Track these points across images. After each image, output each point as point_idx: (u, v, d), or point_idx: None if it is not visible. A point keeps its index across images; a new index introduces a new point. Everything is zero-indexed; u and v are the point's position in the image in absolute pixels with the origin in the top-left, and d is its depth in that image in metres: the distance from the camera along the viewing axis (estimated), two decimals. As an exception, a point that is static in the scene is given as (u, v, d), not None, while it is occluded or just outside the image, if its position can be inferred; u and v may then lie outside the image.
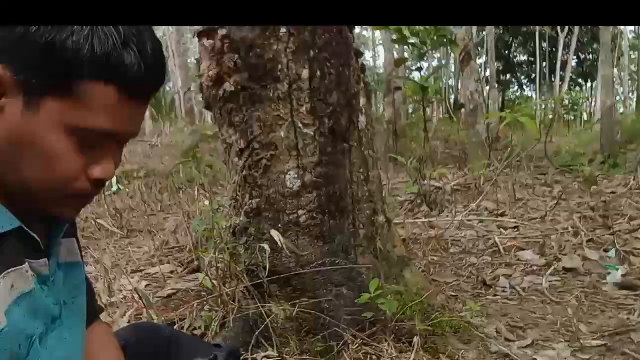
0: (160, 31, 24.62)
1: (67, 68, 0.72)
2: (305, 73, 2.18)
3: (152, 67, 0.77)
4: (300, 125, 2.18)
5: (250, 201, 2.23)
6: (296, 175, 2.18)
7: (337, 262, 2.18)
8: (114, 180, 5.82)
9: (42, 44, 0.72)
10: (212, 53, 2.26)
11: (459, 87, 14.32)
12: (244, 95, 2.20)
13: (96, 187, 0.83)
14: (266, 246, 2.12)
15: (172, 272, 2.98)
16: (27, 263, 0.83)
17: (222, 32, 2.21)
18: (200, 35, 2.31)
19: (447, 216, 4.10)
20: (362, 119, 2.38)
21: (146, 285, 2.80)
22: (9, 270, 0.78)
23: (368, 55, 33.90)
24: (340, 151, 2.23)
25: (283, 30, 2.16)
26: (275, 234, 2.11)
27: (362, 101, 2.39)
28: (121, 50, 0.74)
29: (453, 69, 22.63)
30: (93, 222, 4.10)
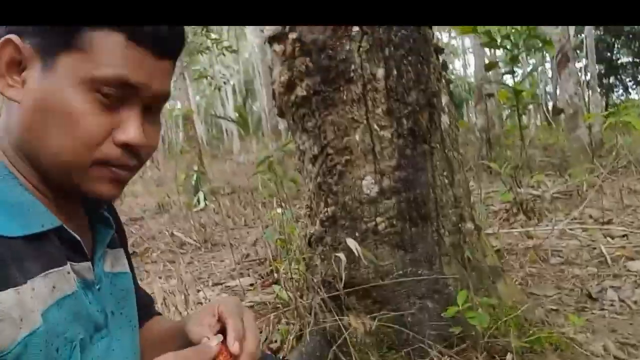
0: (246, 53, 25.49)
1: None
2: (380, 72, 2.06)
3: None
4: (376, 127, 2.06)
5: (326, 209, 2.13)
6: (373, 181, 2.05)
7: (420, 272, 2.02)
8: (201, 196, 5.98)
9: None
10: (284, 57, 2.20)
11: (557, 92, 13.56)
12: (317, 99, 2.11)
13: (127, 155, 0.77)
14: (342, 256, 2.00)
15: (251, 285, 2.94)
16: (69, 264, 0.78)
17: (292, 35, 2.15)
18: (271, 40, 2.25)
19: (547, 225, 3.79)
20: (445, 118, 2.22)
21: (226, 298, 2.77)
22: (51, 271, 0.74)
23: (458, 64, 33.17)
24: (420, 153, 2.08)
25: (356, 28, 2.06)
26: (351, 242, 1.98)
27: (444, 100, 2.23)
28: None
29: (550, 75, 21.54)
30: (173, 236, 4.17)
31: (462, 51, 31.08)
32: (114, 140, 0.76)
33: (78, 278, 0.80)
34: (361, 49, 2.06)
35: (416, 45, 2.12)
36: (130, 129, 0.76)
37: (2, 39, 0.73)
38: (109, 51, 0.72)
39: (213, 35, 9.18)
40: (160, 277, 3.20)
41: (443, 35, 27.95)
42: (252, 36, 22.76)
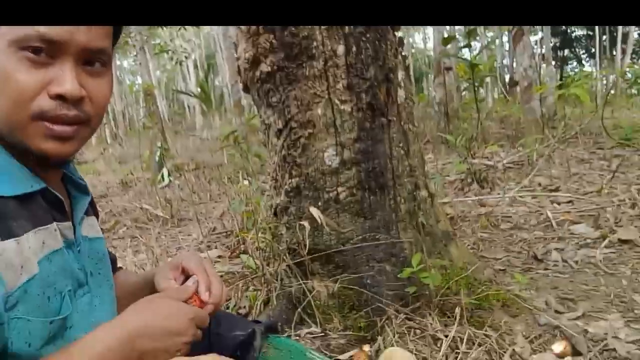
0: (207, 27, 25.05)
1: None
2: (340, 49, 2.16)
3: None
4: (337, 102, 2.17)
5: (290, 180, 2.24)
6: (335, 153, 2.18)
7: (378, 237, 2.16)
8: (165, 173, 6.00)
9: None
10: (248, 35, 2.27)
11: (514, 65, 13.89)
12: (280, 75, 2.21)
13: (64, 107, 0.82)
14: (306, 224, 2.13)
15: (219, 257, 3.04)
16: (54, 223, 0.88)
17: (256, 13, 2.23)
18: (235, 18, 2.33)
19: (498, 193, 4.00)
20: (401, 92, 2.34)
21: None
22: (40, 228, 0.84)
23: (418, 38, 33.36)
24: (378, 126, 2.21)
25: (316, 7, 2.15)
26: (315, 211, 2.11)
27: (400, 75, 2.35)
28: None
29: (507, 48, 21.95)
30: (143, 212, 4.22)
31: (422, 24, 31.22)
32: (48, 94, 0.81)
33: (62, 237, 0.89)
34: (322, 26, 2.16)
35: (374, 24, 2.22)
36: (63, 81, 0.80)
37: None
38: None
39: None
40: (126, 252, 3.27)
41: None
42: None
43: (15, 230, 0.79)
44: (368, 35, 2.20)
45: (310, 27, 2.17)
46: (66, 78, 0.81)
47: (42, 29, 0.79)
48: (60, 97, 0.81)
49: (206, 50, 25.78)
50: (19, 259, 0.77)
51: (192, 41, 24.01)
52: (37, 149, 0.83)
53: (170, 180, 5.90)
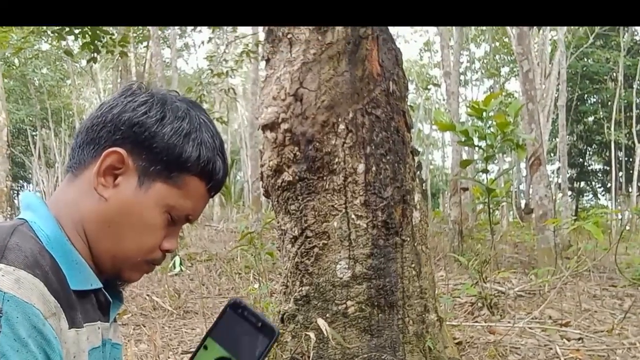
0: (235, 124, 26.07)
1: (180, 164, 0.92)
2: (361, 167, 2.27)
3: (227, 173, 1.00)
4: (353, 216, 2.25)
5: (300, 288, 2.27)
6: (347, 266, 2.21)
7: (383, 357, 2.14)
8: (177, 261, 6.03)
9: (166, 144, 0.92)
10: (274, 145, 2.40)
11: (530, 190, 14.06)
12: (301, 185, 2.30)
13: (163, 258, 0.99)
14: (312, 335, 2.12)
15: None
16: (99, 322, 0.95)
17: (284, 125, 2.36)
18: (264, 128, 2.47)
19: (509, 322, 3.93)
20: (416, 214, 2.41)
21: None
22: (89, 324, 0.91)
23: (437, 155, 34.13)
24: (392, 244, 2.26)
25: (342, 127, 2.29)
26: (322, 323, 2.12)
27: (417, 197, 2.44)
28: (216, 157, 0.96)
29: (525, 174, 22.34)
30: (149, 300, 4.20)
31: (442, 143, 32.11)
32: (161, 247, 0.97)
33: (101, 336, 0.96)
34: (345, 144, 2.28)
35: (394, 146, 2.35)
36: (174, 241, 0.98)
37: (112, 149, 0.90)
38: (193, 194, 0.95)
39: (205, 105, 9.52)
40: (129, 341, 3.24)
41: (425, 126, 28.97)
42: (244, 109, 23.36)
43: (78, 321, 0.86)
44: (388, 157, 2.31)
45: (334, 144, 2.29)
46: (176, 238, 0.99)
47: (194, 211, 0.97)
48: (167, 251, 0.98)
49: (232, 146, 26.64)
50: (74, 349, 0.84)
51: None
52: (127, 278, 0.99)
53: (181, 269, 5.91)
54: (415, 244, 2.35)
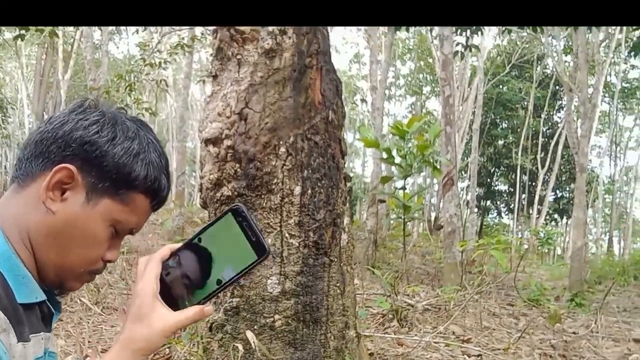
0: (163, 114, 25.47)
1: (128, 182, 0.99)
2: (297, 189, 2.41)
3: (170, 189, 1.07)
4: (287, 235, 2.38)
5: (231, 300, 2.37)
6: (277, 281, 2.35)
7: (304, 369, 2.29)
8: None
9: (116, 163, 0.97)
10: (216, 159, 2.49)
11: (440, 206, 14.78)
12: (239, 201, 2.41)
13: (104, 267, 1.06)
14: (240, 346, 2.24)
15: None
16: (42, 332, 1.01)
17: (227, 142, 2.46)
18: (207, 141, 2.55)
19: (416, 335, 4.21)
20: (344, 236, 2.58)
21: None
22: (34, 335, 0.96)
23: (357, 163, 34.92)
24: (320, 264, 2.42)
25: (282, 149, 2.42)
26: (250, 335, 2.24)
27: (346, 221, 2.61)
28: (162, 175, 1.03)
29: (437, 188, 23.37)
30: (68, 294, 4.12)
31: (362, 153, 32.90)
32: (103, 258, 1.03)
33: (44, 346, 1.02)
34: (284, 166, 2.42)
35: (329, 172, 2.51)
36: (116, 252, 1.05)
37: (62, 165, 0.95)
38: (138, 210, 1.02)
39: (134, 95, 9.33)
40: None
41: (349, 135, 29.56)
42: (173, 100, 22.82)
43: (25, 335, 0.92)
44: (323, 182, 2.47)
45: (274, 164, 2.42)
46: (117, 249, 1.06)
47: (137, 224, 1.03)
48: (108, 261, 1.05)
49: (158, 136, 25.97)
50: None
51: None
52: (69, 287, 1.04)
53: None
54: (342, 264, 2.52)
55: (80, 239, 0.98)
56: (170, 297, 0.97)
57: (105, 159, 0.97)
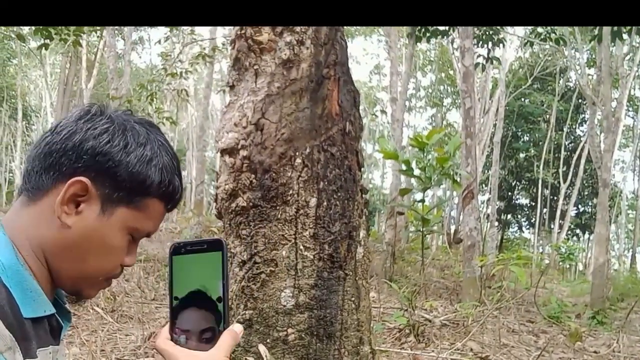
0: (184, 123, 25.75)
1: (143, 189, 0.98)
2: (313, 201, 2.38)
3: (183, 190, 1.06)
4: (302, 247, 2.35)
5: (244, 312, 2.34)
6: (291, 294, 2.31)
7: (317, 385, 2.25)
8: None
9: (130, 172, 0.96)
10: (232, 170, 2.48)
11: (460, 219, 14.63)
12: (254, 211, 2.39)
13: (122, 272, 1.05)
14: (251, 359, 2.21)
15: (154, 370, 3.01)
16: (50, 346, 0.98)
17: (243, 152, 2.45)
18: (222, 152, 2.54)
19: (433, 351, 4.14)
20: (360, 250, 2.54)
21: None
22: (42, 349, 0.94)
23: (377, 175, 34.81)
24: (335, 277, 2.38)
25: (298, 160, 2.39)
26: (262, 348, 2.20)
27: (362, 234, 2.57)
28: (175, 178, 1.02)
29: (457, 201, 23.17)
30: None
31: (382, 164, 32.81)
32: (122, 263, 1.02)
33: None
34: (300, 178, 2.39)
35: (346, 184, 2.48)
36: (133, 257, 1.04)
37: (75, 178, 0.93)
38: (154, 215, 1.01)
39: (155, 104, 9.44)
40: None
41: (368, 145, 29.52)
42: (194, 110, 23.06)
43: (32, 351, 0.90)
44: (339, 194, 2.44)
45: (289, 176, 2.40)
46: (135, 253, 1.04)
47: (154, 229, 1.03)
48: (126, 266, 1.04)
49: (178, 144, 26.24)
50: None
51: (167, 134, 24.38)
52: (86, 295, 1.03)
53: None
54: (357, 278, 2.48)
55: (98, 250, 0.97)
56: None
57: (118, 169, 0.95)
